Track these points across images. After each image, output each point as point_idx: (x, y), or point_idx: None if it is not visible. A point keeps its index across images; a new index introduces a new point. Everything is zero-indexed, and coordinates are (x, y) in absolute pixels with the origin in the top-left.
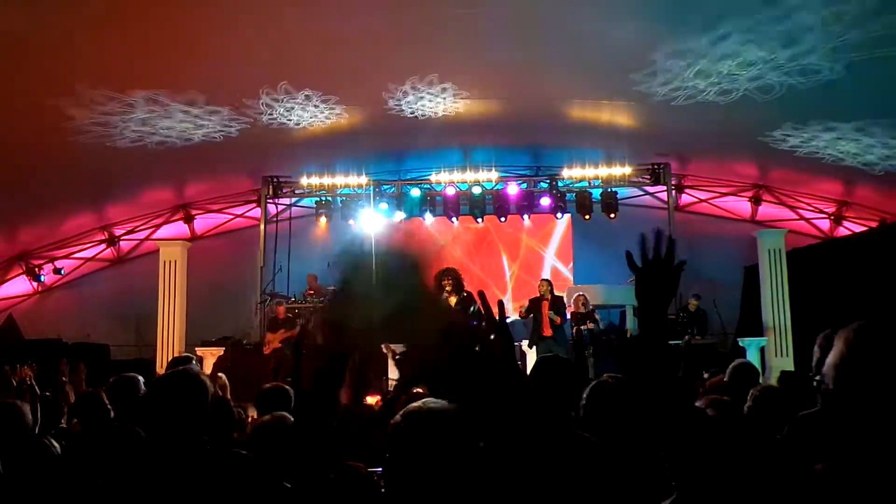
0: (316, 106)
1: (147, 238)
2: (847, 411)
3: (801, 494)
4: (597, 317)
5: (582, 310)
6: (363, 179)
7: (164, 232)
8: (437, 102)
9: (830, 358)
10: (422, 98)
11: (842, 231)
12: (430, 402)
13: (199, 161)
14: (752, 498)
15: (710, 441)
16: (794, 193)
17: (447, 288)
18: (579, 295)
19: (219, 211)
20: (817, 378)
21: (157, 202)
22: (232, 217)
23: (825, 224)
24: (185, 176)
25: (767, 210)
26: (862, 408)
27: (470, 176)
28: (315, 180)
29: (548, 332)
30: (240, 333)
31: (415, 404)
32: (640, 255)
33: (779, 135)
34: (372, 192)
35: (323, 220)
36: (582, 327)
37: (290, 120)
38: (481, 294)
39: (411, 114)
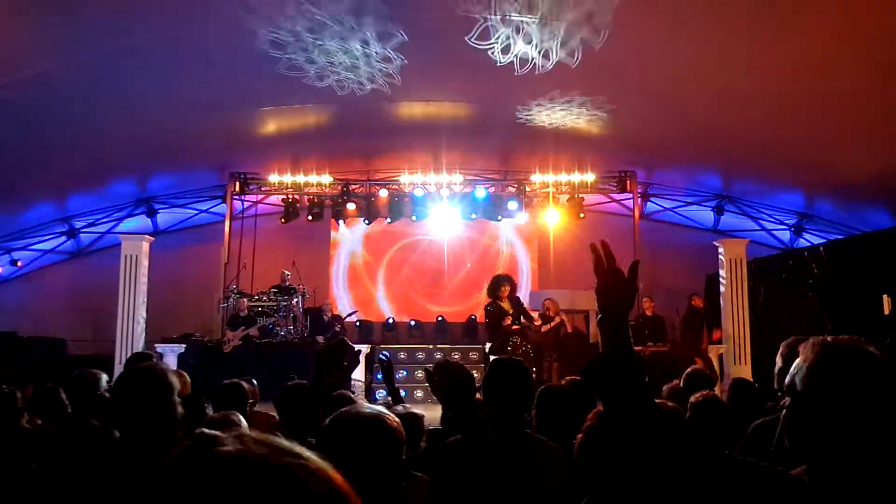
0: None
1: (109, 231)
2: (818, 416)
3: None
4: (561, 319)
5: (550, 313)
6: (331, 179)
7: (126, 226)
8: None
9: (802, 363)
10: None
11: (801, 242)
12: (363, 407)
13: (166, 153)
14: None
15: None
16: (756, 204)
17: (506, 294)
18: (547, 299)
19: (183, 206)
20: (785, 385)
21: (121, 195)
22: (196, 212)
23: (786, 235)
24: (150, 168)
25: (730, 220)
26: (834, 413)
27: (437, 178)
28: (282, 178)
29: None
30: (201, 330)
31: (346, 409)
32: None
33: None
34: (340, 192)
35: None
36: (546, 328)
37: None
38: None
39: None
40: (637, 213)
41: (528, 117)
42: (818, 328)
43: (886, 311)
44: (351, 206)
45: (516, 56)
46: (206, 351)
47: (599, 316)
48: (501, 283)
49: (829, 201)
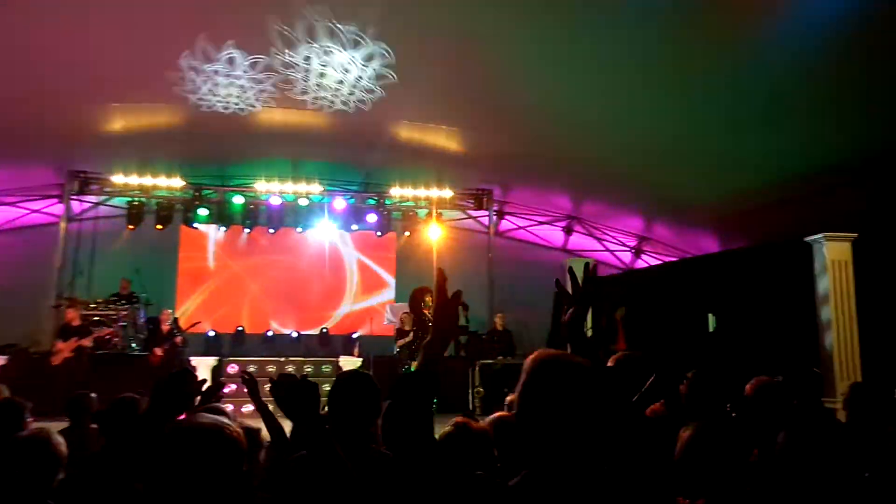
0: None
1: None
2: (528, 431)
3: None
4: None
5: (406, 327)
6: (181, 183)
7: None
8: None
9: (517, 386)
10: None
11: (640, 263)
12: (203, 416)
13: None
14: None
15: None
16: (602, 227)
17: (430, 303)
18: (404, 314)
19: (12, 204)
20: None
21: None
22: (28, 212)
23: (627, 256)
24: None
25: (578, 240)
26: (536, 428)
27: (296, 187)
28: (128, 179)
29: None
30: (28, 340)
31: (185, 419)
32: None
33: None
34: (192, 197)
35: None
36: (400, 342)
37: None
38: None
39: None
40: (492, 231)
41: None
42: (653, 344)
43: (711, 329)
44: (203, 212)
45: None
46: (32, 363)
47: (429, 337)
48: (425, 295)
49: (666, 226)
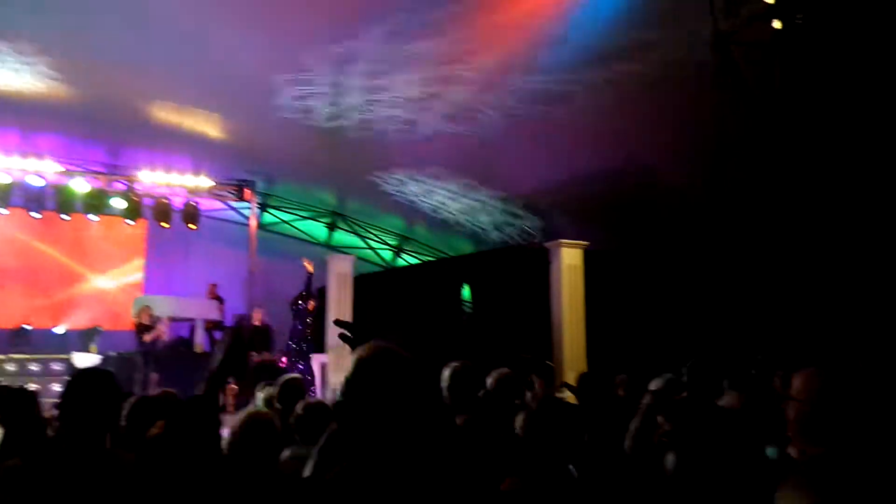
0: None
1: None
2: (354, 422)
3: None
4: (162, 327)
5: (147, 321)
6: None
7: None
8: None
9: (345, 373)
10: None
11: (400, 262)
12: None
13: None
14: None
15: None
16: (365, 224)
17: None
18: (145, 307)
19: None
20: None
21: None
22: None
23: (388, 255)
24: None
25: (342, 237)
26: (365, 418)
27: (25, 163)
28: None
29: None
30: None
31: None
32: None
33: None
34: None
35: None
36: (146, 338)
37: None
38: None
39: None
40: (254, 223)
41: None
42: (412, 342)
43: (466, 297)
44: None
45: None
46: None
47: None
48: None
49: (425, 227)
